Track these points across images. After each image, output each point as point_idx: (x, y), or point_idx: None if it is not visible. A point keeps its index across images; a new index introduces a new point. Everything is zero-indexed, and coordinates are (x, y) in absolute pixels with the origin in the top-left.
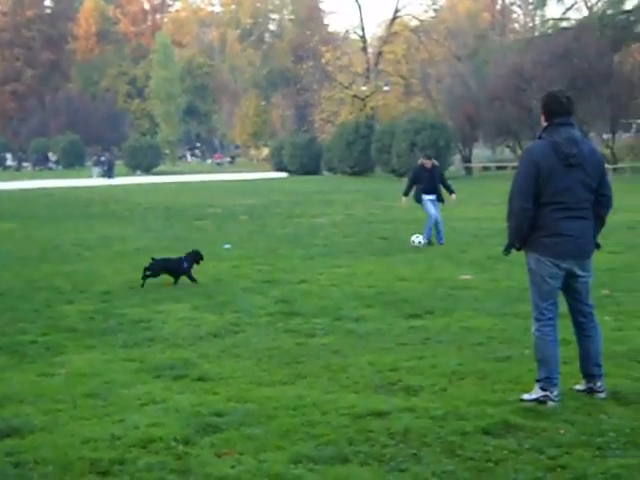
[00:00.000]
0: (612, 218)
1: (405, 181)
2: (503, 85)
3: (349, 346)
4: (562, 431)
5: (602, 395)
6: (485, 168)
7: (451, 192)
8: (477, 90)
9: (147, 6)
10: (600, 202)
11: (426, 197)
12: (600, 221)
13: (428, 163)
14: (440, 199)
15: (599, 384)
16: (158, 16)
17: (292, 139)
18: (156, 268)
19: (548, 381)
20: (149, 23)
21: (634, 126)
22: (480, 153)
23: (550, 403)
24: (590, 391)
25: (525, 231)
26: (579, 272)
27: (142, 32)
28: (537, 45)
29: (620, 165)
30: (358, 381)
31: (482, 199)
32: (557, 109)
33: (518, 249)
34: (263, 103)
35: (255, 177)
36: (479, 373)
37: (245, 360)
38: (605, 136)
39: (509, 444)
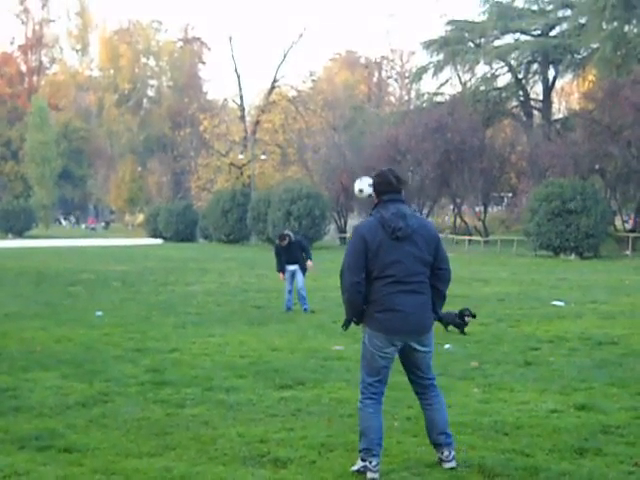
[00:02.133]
0: (483, 290)
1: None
2: (378, 156)
3: (219, 417)
4: None
5: (451, 464)
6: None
7: (308, 258)
8: (353, 160)
9: (24, 68)
10: (437, 276)
11: (288, 268)
12: (439, 295)
13: (283, 242)
14: (303, 268)
15: (446, 453)
16: (35, 78)
17: (168, 206)
18: None
19: (367, 452)
20: (25, 85)
21: (505, 200)
22: (355, 223)
23: (369, 474)
24: (440, 461)
25: (359, 305)
26: (416, 346)
27: (18, 94)
28: (412, 118)
29: (491, 238)
30: (227, 453)
31: None
32: (386, 188)
33: (357, 323)
34: (139, 169)
35: (130, 243)
36: (348, 445)
37: (113, 430)
38: (477, 209)
39: None
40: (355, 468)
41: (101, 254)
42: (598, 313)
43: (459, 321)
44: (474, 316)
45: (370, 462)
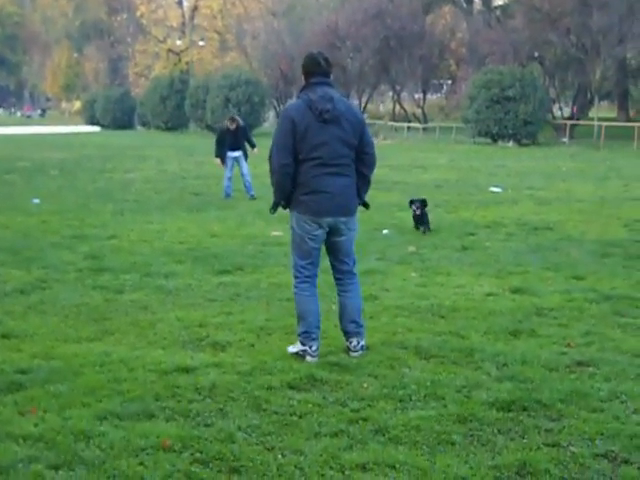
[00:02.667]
0: (422, 177)
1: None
2: (318, 42)
3: (158, 302)
4: (365, 385)
5: (357, 354)
6: None
7: (253, 146)
8: (292, 47)
9: None
10: (363, 160)
11: (230, 154)
12: (364, 179)
13: (232, 125)
14: (246, 155)
15: (354, 343)
16: None
17: (105, 92)
18: None
19: (306, 335)
20: None
21: (444, 87)
22: None
23: (308, 358)
24: (347, 350)
25: (287, 188)
26: (342, 228)
27: None
28: (351, 4)
29: (430, 125)
30: (166, 337)
31: None
32: (314, 70)
33: (284, 207)
34: (75, 55)
35: (67, 131)
36: (287, 328)
37: (52, 317)
38: (416, 96)
39: (314, 398)
40: (293, 350)
41: (38, 142)
42: (535, 199)
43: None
44: (424, 205)
45: (310, 347)
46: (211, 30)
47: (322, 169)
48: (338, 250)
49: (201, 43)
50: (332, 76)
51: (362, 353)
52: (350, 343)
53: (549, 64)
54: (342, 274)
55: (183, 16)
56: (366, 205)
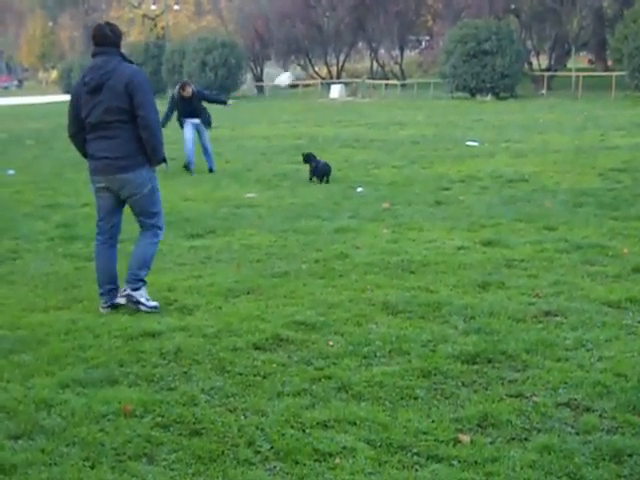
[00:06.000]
0: (399, 134)
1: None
2: (293, 2)
3: (127, 268)
4: (331, 343)
5: (118, 301)
6: (277, 86)
7: (224, 102)
8: (267, 7)
9: None
10: (137, 123)
11: (190, 121)
12: (146, 140)
13: (186, 91)
14: (207, 123)
15: (122, 288)
16: None
17: (81, 61)
18: None
19: (99, 291)
20: None
21: (422, 43)
22: (272, 72)
23: (101, 310)
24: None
25: (83, 154)
26: (119, 187)
27: None
28: None
29: (408, 81)
30: None
31: (273, 117)
32: (95, 41)
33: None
34: (50, 24)
35: (44, 100)
36: (255, 290)
37: (21, 287)
38: (394, 53)
39: (278, 358)
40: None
41: (14, 113)
42: (511, 152)
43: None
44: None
45: (101, 301)
46: None
47: (91, 134)
48: (132, 208)
49: (176, 7)
50: (308, 36)
51: (120, 302)
52: (122, 289)
53: (525, 16)
54: (140, 229)
55: None
56: (163, 161)
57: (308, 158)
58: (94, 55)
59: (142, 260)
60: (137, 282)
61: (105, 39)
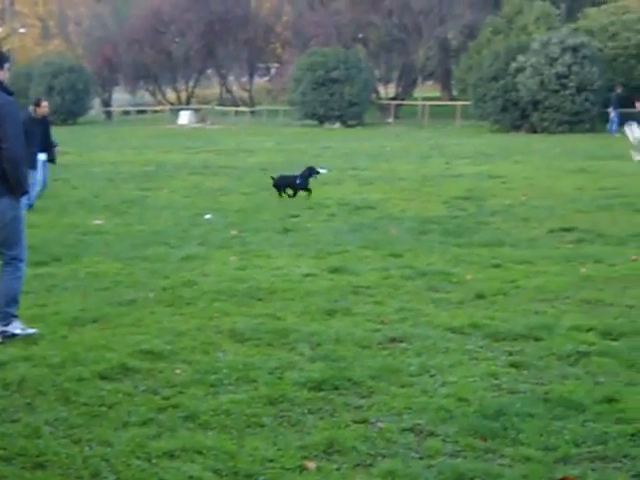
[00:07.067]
0: (248, 161)
1: None
2: (142, 27)
3: None
4: (178, 371)
5: None
6: (125, 112)
7: (54, 145)
8: (116, 32)
9: None
10: (2, 155)
11: (41, 157)
12: (8, 171)
13: (43, 108)
14: (53, 160)
15: None
16: None
17: None
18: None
19: None
20: None
21: (272, 70)
22: (120, 97)
23: None
24: None
25: None
26: None
27: None
28: None
29: (258, 108)
30: None
31: (121, 143)
32: None
33: None
34: None
35: None
36: (102, 318)
37: None
38: (243, 80)
39: (125, 387)
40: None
41: None
42: (358, 179)
43: (298, 182)
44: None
45: None
46: (32, 17)
47: None
48: None
49: (22, 30)
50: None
51: (3, 340)
52: None
53: (373, 45)
54: (2, 261)
55: (2, 2)
56: (26, 193)
57: (310, 171)
58: None
59: (8, 296)
60: (8, 318)
61: None
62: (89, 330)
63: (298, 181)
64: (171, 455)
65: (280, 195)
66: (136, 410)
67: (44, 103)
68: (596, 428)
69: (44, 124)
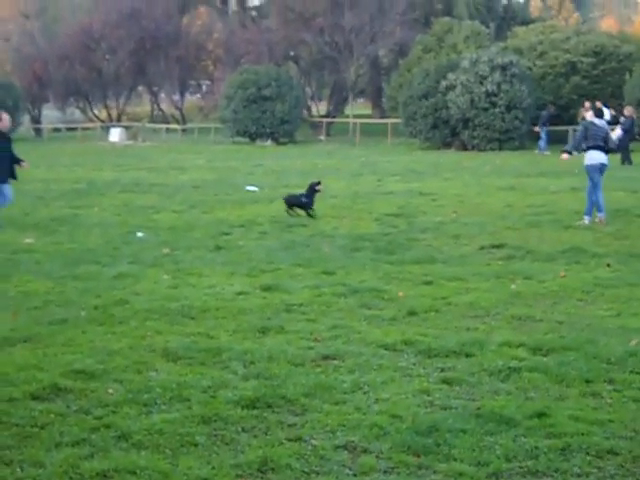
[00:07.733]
0: (180, 178)
1: None
2: (72, 44)
3: None
4: (110, 391)
5: None
6: (56, 129)
7: (20, 160)
8: (46, 49)
9: None
10: None
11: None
12: None
13: (4, 121)
14: (12, 174)
15: None
16: None
17: None
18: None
19: None
20: None
21: (203, 87)
22: (50, 114)
23: None
24: None
25: None
26: None
27: None
28: (105, 5)
29: (189, 126)
30: None
31: (51, 161)
32: None
33: None
34: None
35: None
36: (33, 338)
37: None
38: (175, 97)
39: (57, 407)
40: None
41: None
42: None
43: (305, 201)
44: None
45: None
46: None
47: None
48: None
49: None
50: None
51: None
52: None
53: (304, 63)
54: None
55: None
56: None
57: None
58: None
59: None
60: None
61: None
62: (20, 350)
63: (304, 199)
64: (104, 475)
65: (289, 214)
66: (68, 430)
67: (4, 117)
68: (527, 443)
69: (7, 137)
